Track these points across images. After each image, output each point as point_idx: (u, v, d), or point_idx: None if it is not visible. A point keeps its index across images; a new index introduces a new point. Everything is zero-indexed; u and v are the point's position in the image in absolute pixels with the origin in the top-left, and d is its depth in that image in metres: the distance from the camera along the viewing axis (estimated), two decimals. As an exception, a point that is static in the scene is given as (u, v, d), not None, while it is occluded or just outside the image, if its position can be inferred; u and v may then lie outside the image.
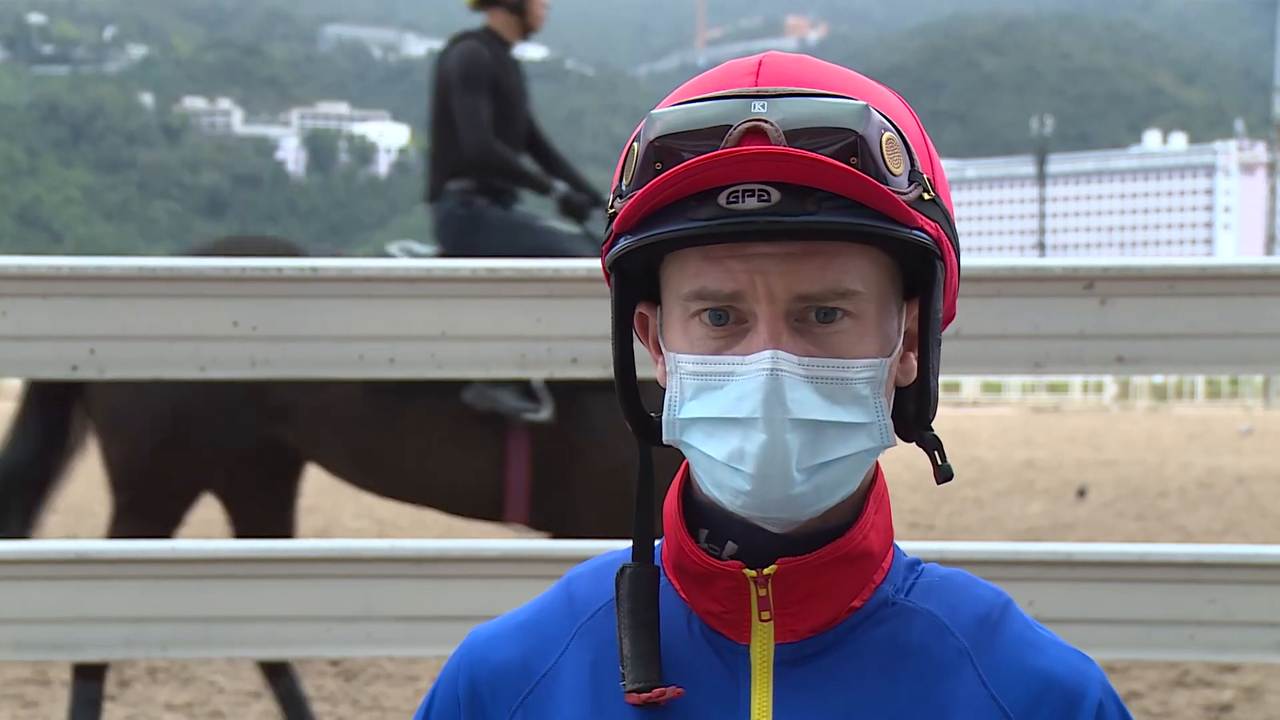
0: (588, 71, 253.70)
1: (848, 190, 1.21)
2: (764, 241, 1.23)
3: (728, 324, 1.26)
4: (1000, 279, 3.18)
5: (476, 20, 5.67)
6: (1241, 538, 11.33)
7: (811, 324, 1.25)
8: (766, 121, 1.22)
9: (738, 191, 1.22)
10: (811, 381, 1.24)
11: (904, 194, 1.24)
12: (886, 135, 1.24)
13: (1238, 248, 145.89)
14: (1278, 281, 3.15)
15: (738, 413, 1.25)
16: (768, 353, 1.23)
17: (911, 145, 1.27)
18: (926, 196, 1.27)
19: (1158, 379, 44.02)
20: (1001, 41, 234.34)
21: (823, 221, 1.21)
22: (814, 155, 1.19)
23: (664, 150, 1.25)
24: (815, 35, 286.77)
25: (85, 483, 15.92)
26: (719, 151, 1.21)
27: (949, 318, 1.39)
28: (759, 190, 1.21)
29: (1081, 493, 13.93)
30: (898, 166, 1.24)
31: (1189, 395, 45.18)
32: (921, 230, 1.26)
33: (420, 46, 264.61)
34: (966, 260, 3.17)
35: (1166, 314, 3.16)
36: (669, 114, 1.26)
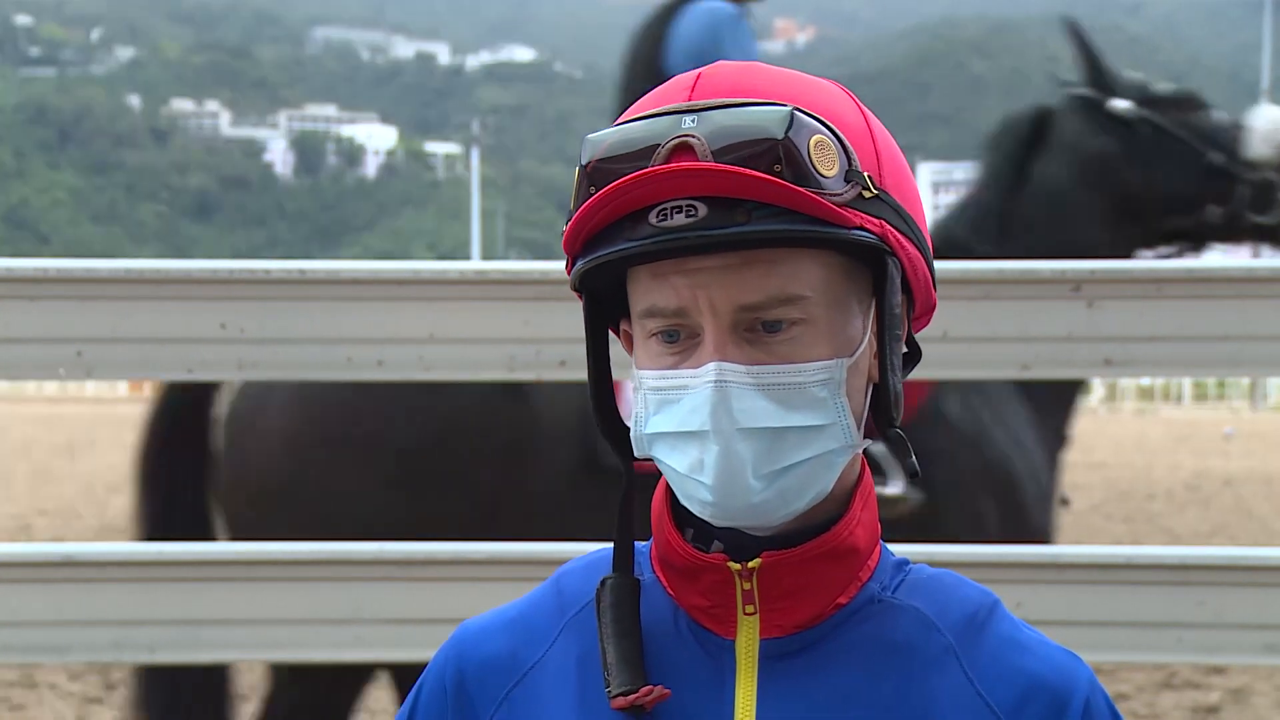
0: (577, 74, 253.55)
1: (772, 198, 1.22)
2: (701, 255, 1.24)
3: (680, 340, 1.28)
4: (987, 281, 3.18)
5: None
6: (1229, 540, 11.36)
7: (760, 333, 1.26)
8: (694, 137, 1.24)
9: (667, 209, 1.23)
10: (763, 389, 1.25)
11: (836, 195, 1.24)
12: (815, 138, 1.24)
13: (1225, 250, 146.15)
14: (1264, 284, 3.16)
15: (691, 425, 1.26)
16: (712, 365, 1.25)
17: (850, 144, 1.27)
18: (867, 194, 1.27)
19: (1145, 381, 44.08)
20: (990, 44, 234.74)
21: (752, 231, 1.22)
22: (732, 168, 1.20)
23: (598, 173, 1.26)
24: (803, 38, 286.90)
25: (73, 485, 15.89)
26: (640, 172, 1.22)
27: (929, 307, 1.39)
28: (686, 206, 1.23)
29: (1064, 502, 13.73)
30: (829, 168, 1.24)
31: (1176, 398, 45.25)
32: (862, 229, 1.25)
33: (409, 48, 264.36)
34: (955, 263, 3.18)
35: (1154, 316, 3.16)
36: (603, 136, 1.28)
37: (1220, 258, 5.07)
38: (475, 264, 3.26)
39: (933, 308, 1.39)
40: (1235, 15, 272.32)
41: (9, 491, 14.98)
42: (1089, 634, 3.18)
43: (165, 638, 3.22)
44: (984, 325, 3.18)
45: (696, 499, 1.29)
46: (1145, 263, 3.19)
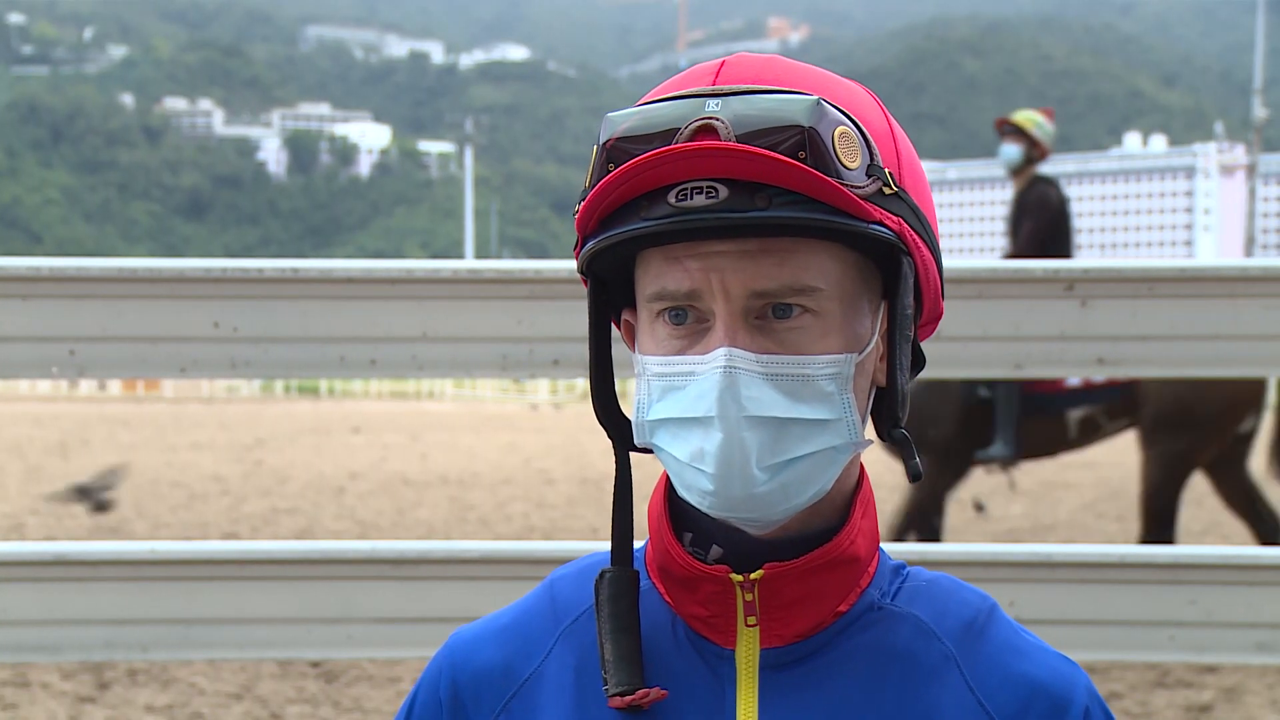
0: (570, 73, 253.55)
1: (795, 184, 1.20)
2: (719, 239, 1.23)
3: (688, 323, 1.26)
4: (981, 280, 3.19)
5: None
6: (1221, 539, 11.36)
7: (771, 321, 1.24)
8: (717, 119, 1.21)
9: (687, 189, 1.21)
10: (771, 379, 1.23)
11: (858, 188, 1.22)
12: (840, 130, 1.22)
13: (1217, 250, 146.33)
14: (1256, 283, 3.17)
15: (696, 411, 1.24)
16: (722, 350, 1.22)
17: (873, 140, 1.26)
18: (888, 191, 1.25)
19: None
20: (982, 44, 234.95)
21: (772, 217, 1.20)
22: (758, 150, 1.19)
23: (618, 151, 1.24)
24: (796, 37, 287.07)
25: (66, 484, 15.88)
26: (662, 149, 1.20)
27: (935, 316, 1.37)
28: (707, 187, 1.21)
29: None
30: (852, 161, 1.23)
31: (1169, 397, 45.27)
32: (880, 224, 1.24)
33: (401, 47, 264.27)
34: (947, 261, 3.18)
35: (1146, 315, 3.17)
36: (625, 116, 1.26)
37: (1212, 257, 5.12)
38: (468, 263, 3.26)
39: (939, 317, 1.38)
40: (1227, 15, 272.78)
41: (2, 490, 14.96)
42: (1082, 633, 3.19)
43: (158, 636, 3.21)
44: (977, 324, 3.18)
45: (696, 488, 1.26)
46: (1137, 261, 3.19)
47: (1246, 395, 7.49)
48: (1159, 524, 7.74)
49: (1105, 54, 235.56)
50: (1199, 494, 15.02)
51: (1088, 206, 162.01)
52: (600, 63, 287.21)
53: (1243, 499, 7.83)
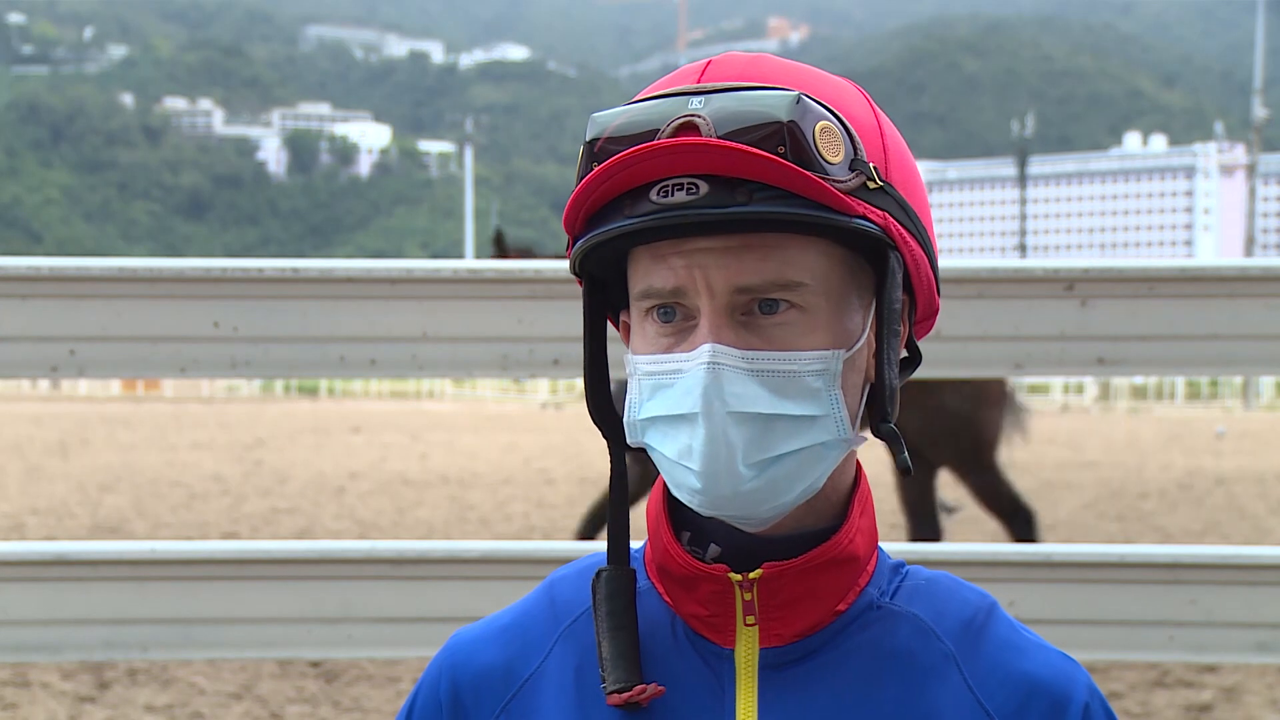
0: (570, 73, 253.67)
1: (774, 179, 1.20)
2: (702, 236, 1.23)
3: (676, 321, 1.26)
4: (981, 280, 3.19)
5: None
6: (1221, 539, 11.38)
7: (756, 317, 1.24)
8: (699, 116, 1.22)
9: (668, 186, 1.21)
10: (756, 375, 1.23)
11: (840, 182, 1.22)
12: (821, 124, 1.22)
13: (1217, 249, 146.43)
14: (1257, 283, 3.17)
15: (682, 408, 1.24)
16: (706, 346, 1.22)
17: (857, 135, 1.25)
18: (872, 185, 1.25)
19: (1138, 380, 44.07)
20: (982, 43, 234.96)
21: (751, 212, 1.20)
22: (734, 145, 1.19)
23: (602, 152, 1.25)
24: (797, 37, 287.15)
25: (65, 484, 15.88)
26: (642, 146, 1.20)
27: (931, 312, 1.37)
28: (688, 183, 1.21)
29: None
30: (834, 155, 1.22)
31: (1169, 396, 45.28)
32: (864, 219, 1.24)
33: (402, 47, 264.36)
34: (947, 261, 3.18)
35: (1146, 315, 3.17)
36: (610, 116, 1.26)
37: (1212, 257, 5.11)
38: (468, 262, 3.26)
39: (935, 312, 1.38)
40: (1227, 14, 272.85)
41: (1, 490, 14.97)
42: (1081, 632, 3.19)
43: (157, 636, 3.21)
44: (977, 324, 3.18)
45: (686, 486, 1.26)
46: (1138, 261, 3.18)
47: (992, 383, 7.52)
48: (918, 519, 7.70)
49: (1105, 54, 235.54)
50: (1198, 494, 15.02)
51: (1088, 206, 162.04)
52: (600, 63, 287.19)
53: (917, 497, 7.75)
